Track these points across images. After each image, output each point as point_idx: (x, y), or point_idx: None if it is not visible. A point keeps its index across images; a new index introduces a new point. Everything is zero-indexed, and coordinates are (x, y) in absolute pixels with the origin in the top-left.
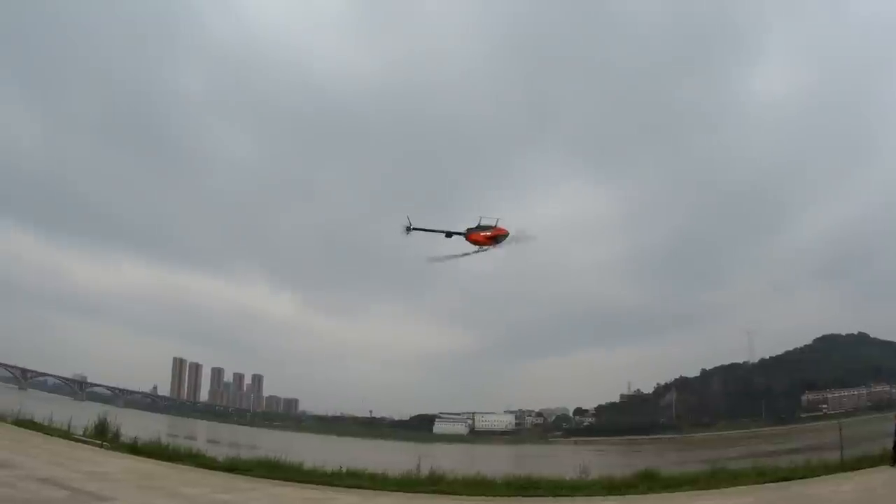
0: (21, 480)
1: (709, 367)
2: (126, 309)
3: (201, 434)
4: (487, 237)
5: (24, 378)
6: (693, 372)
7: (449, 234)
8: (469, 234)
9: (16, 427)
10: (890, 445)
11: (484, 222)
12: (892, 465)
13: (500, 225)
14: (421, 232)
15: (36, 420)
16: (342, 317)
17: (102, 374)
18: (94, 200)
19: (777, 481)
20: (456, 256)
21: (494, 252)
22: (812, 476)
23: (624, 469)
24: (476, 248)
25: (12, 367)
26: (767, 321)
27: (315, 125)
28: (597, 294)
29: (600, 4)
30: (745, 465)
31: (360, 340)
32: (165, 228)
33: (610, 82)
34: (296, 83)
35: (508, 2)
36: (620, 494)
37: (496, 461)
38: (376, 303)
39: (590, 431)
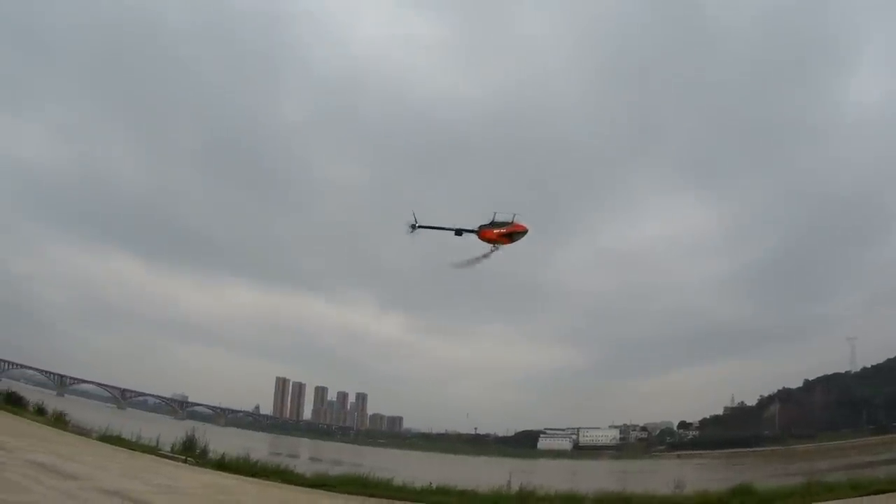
0: (85, 491)
1: (811, 377)
2: (229, 331)
3: (304, 452)
4: (501, 234)
5: (122, 398)
6: (796, 383)
7: (459, 232)
8: (481, 232)
9: (99, 442)
10: None
11: (499, 218)
12: None
13: (517, 221)
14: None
15: (123, 436)
16: (448, 337)
17: (205, 395)
18: (196, 226)
19: (873, 494)
20: (477, 259)
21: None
22: None
23: (721, 483)
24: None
25: (111, 387)
26: (869, 330)
27: (420, 149)
28: (702, 308)
29: (699, 22)
30: (842, 477)
31: (466, 360)
32: (272, 254)
33: (712, 98)
34: (400, 109)
35: (610, 24)
36: None
37: (595, 477)
38: (483, 324)
39: (693, 445)
